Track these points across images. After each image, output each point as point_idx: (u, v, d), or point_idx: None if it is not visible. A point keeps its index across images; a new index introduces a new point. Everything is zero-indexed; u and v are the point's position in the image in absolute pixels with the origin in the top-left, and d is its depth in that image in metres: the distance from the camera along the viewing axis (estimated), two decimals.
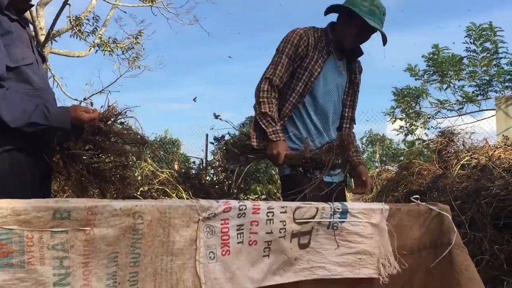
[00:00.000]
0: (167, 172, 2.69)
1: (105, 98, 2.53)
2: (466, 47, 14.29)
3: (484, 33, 13.74)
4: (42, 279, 1.90)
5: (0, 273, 1.82)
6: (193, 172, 2.90)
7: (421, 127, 15.58)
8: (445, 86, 14.79)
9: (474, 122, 13.58)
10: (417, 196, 3.11)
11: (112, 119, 2.45)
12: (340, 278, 2.77)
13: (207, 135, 13.08)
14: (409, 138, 15.89)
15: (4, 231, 1.83)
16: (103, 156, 2.45)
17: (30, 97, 2.44)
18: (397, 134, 16.44)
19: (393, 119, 16.21)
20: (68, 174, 2.31)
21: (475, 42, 14.00)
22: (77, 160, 2.34)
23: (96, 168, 2.44)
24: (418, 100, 15.40)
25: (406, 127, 15.87)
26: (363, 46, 3.87)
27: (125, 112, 2.51)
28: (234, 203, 2.42)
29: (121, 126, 2.54)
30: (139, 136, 2.53)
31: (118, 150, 2.45)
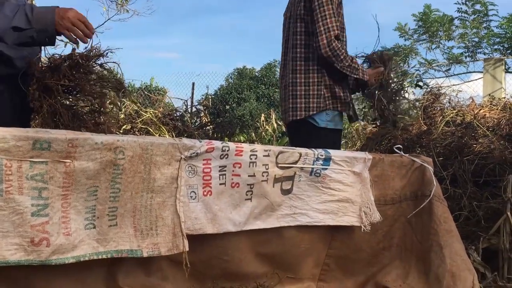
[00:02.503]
0: (151, 112, 2.65)
1: (91, 41, 2.43)
2: (458, 8, 14.17)
3: None
4: (20, 209, 1.88)
5: None
6: (177, 114, 2.88)
7: (408, 86, 15.55)
8: (434, 46, 14.71)
9: (461, 83, 13.57)
10: (399, 146, 3.11)
11: (93, 60, 2.38)
12: (322, 225, 2.78)
13: (193, 84, 13.04)
14: None
15: None
16: (79, 96, 2.38)
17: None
18: None
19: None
20: (40, 106, 2.24)
21: (467, 2, 13.88)
22: (51, 94, 2.27)
23: (70, 106, 2.38)
24: (407, 59, 15.32)
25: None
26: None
27: (107, 53, 2.44)
28: (217, 143, 2.40)
29: (101, 69, 2.46)
30: (116, 81, 2.45)
31: (95, 92, 2.38)
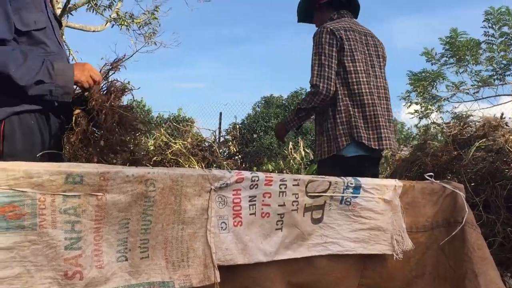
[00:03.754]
0: (180, 144, 2.68)
1: (119, 74, 2.50)
2: (484, 32, 14.11)
3: (502, 17, 13.55)
4: (53, 242, 1.90)
5: (12, 235, 1.83)
6: (206, 144, 2.91)
7: (436, 111, 15.45)
8: (461, 70, 14.64)
9: (490, 107, 13.43)
10: (431, 173, 3.09)
11: (114, 97, 2.44)
12: (353, 254, 2.76)
13: (220, 114, 13.19)
14: (423, 122, 15.78)
15: (16, 193, 1.83)
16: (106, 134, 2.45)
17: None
18: (411, 118, 16.34)
19: (409, 103, 16.09)
20: (75, 139, 2.32)
21: (494, 26, 13.80)
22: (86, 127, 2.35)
23: (105, 139, 2.44)
24: (435, 84, 15.24)
25: (421, 111, 15.73)
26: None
27: (127, 90, 2.50)
28: (246, 173, 2.41)
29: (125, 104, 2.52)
30: (140, 123, 2.52)
31: (121, 134, 2.44)
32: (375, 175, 3.19)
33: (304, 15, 4.21)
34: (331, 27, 3.81)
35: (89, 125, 2.36)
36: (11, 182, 1.82)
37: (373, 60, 3.95)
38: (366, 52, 3.91)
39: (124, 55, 2.53)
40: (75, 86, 2.50)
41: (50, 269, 1.90)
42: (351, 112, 3.76)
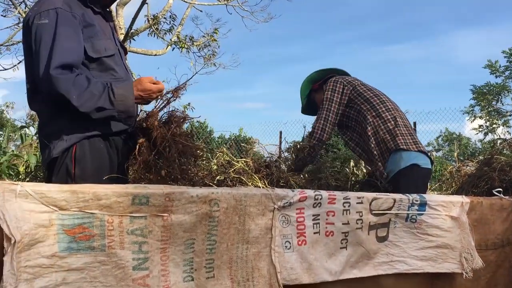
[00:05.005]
0: (242, 162, 2.70)
1: (181, 95, 2.55)
2: None
3: None
4: (122, 263, 1.94)
5: (82, 256, 1.88)
6: (268, 160, 2.94)
7: (502, 125, 15.01)
8: None
9: None
10: (499, 189, 3.00)
11: (175, 127, 2.49)
12: (421, 272, 2.70)
13: (280, 133, 13.23)
14: (489, 137, 15.38)
15: (86, 215, 1.88)
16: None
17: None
18: (477, 133, 15.94)
19: (473, 118, 15.72)
20: (143, 160, 2.38)
21: None
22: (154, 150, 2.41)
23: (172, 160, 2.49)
24: (499, 97, 14.86)
25: (486, 126, 15.34)
26: None
27: (187, 119, 2.55)
28: (309, 192, 2.40)
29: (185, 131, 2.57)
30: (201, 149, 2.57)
31: (181, 164, 2.48)
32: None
33: (307, 108, 4.37)
34: (338, 77, 3.99)
35: (151, 155, 2.41)
36: (81, 204, 1.88)
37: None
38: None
39: (185, 83, 2.57)
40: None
41: None
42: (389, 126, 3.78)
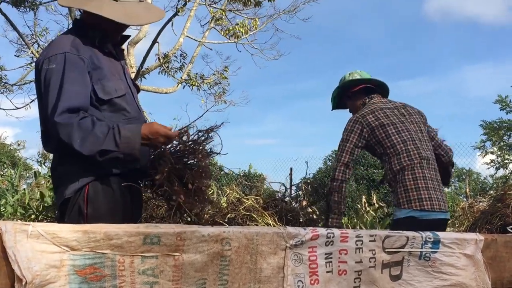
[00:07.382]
0: (252, 200, 2.70)
1: (192, 133, 2.58)
2: None
3: None
4: None
5: None
6: (278, 196, 2.94)
7: None
8: None
9: None
10: None
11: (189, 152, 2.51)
12: None
13: (291, 169, 13.22)
14: (501, 172, 15.28)
15: (97, 255, 1.88)
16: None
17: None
18: (488, 168, 15.84)
19: (484, 153, 15.65)
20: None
21: None
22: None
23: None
24: (511, 133, 14.82)
25: (497, 161, 15.26)
26: None
27: (210, 151, 2.58)
28: (321, 230, 2.39)
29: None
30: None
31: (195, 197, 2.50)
32: None
33: (338, 103, 4.45)
34: (359, 115, 3.97)
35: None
36: (92, 244, 1.87)
37: (415, 126, 3.97)
38: (404, 121, 3.93)
39: (216, 126, 2.59)
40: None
41: None
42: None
